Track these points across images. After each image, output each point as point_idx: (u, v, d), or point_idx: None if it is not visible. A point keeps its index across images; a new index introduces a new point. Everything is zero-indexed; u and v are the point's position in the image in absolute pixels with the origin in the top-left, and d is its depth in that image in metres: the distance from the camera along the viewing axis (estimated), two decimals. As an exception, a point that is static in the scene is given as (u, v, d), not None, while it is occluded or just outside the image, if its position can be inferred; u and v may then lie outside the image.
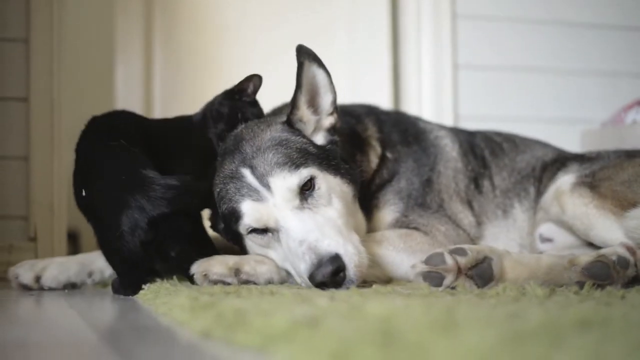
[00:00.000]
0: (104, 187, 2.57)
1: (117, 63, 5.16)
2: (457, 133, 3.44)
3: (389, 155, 3.11)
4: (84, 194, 2.65)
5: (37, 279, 2.87)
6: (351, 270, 2.34)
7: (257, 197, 2.54)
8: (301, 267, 2.38)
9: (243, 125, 2.82)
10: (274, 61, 4.58)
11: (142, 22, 4.96)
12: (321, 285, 2.32)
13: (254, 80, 2.92)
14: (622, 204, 2.69)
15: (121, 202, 2.46)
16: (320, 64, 2.72)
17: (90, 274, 2.94)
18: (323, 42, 4.80)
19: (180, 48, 4.90)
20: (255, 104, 2.95)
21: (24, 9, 3.77)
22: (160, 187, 2.45)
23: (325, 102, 2.78)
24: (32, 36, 3.76)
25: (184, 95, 4.72)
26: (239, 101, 2.90)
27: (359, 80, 4.88)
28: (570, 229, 2.91)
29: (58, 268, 2.90)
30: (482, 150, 3.36)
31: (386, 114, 3.35)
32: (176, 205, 2.47)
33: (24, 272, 2.88)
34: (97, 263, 2.95)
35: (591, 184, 2.80)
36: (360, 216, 2.84)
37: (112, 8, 5.43)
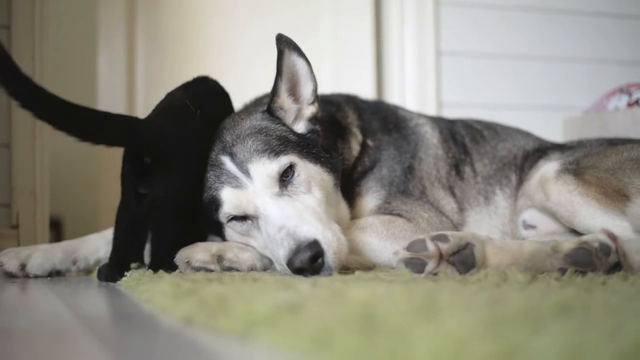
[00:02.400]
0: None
1: (100, 49, 5.13)
2: (437, 121, 3.46)
3: (370, 142, 3.12)
4: None
5: (22, 266, 2.86)
6: (330, 257, 2.32)
7: (236, 183, 2.54)
8: (280, 253, 2.38)
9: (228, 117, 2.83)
10: (260, 51, 4.58)
11: (125, 8, 4.93)
12: (299, 271, 2.31)
13: None
14: (606, 192, 2.70)
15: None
16: (301, 53, 2.72)
17: (74, 262, 2.94)
18: (308, 30, 4.81)
19: (164, 35, 4.88)
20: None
21: (5, -5, 3.75)
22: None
23: (306, 91, 2.78)
24: (14, 23, 3.74)
25: (168, 82, 4.70)
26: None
27: (342, 68, 4.88)
28: (554, 215, 2.92)
29: (43, 256, 2.89)
30: (463, 137, 3.37)
31: (365, 102, 3.37)
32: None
33: (9, 260, 2.87)
34: (81, 250, 2.95)
35: (575, 171, 2.81)
36: (343, 204, 2.84)
37: (95, -6, 5.40)
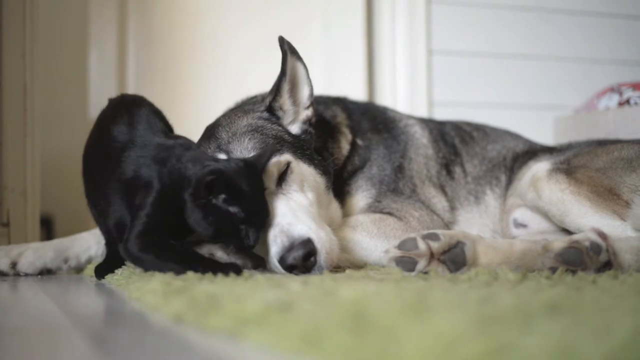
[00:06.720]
0: None
1: (91, 49, 5.11)
2: (427, 122, 3.47)
3: (359, 142, 3.12)
4: None
5: (13, 265, 2.86)
6: (322, 256, 2.33)
7: None
8: (272, 250, 2.37)
9: (221, 114, 2.83)
10: (252, 51, 4.57)
11: (116, 7, 4.92)
12: (291, 268, 2.31)
13: None
14: (597, 191, 2.70)
15: None
16: (299, 58, 2.76)
17: (66, 260, 2.94)
18: (299, 31, 4.80)
19: (156, 36, 4.87)
20: None
21: (-4, -6, 3.74)
22: None
23: (304, 94, 2.81)
24: (4, 21, 3.72)
25: (159, 82, 4.69)
26: None
27: (333, 67, 4.87)
28: (545, 214, 2.92)
29: (34, 254, 2.89)
30: (453, 138, 3.38)
31: (354, 103, 3.38)
32: None
33: (0, 258, 2.87)
34: (73, 249, 2.95)
35: (567, 170, 2.82)
36: (335, 206, 2.84)
37: (86, -7, 5.38)
